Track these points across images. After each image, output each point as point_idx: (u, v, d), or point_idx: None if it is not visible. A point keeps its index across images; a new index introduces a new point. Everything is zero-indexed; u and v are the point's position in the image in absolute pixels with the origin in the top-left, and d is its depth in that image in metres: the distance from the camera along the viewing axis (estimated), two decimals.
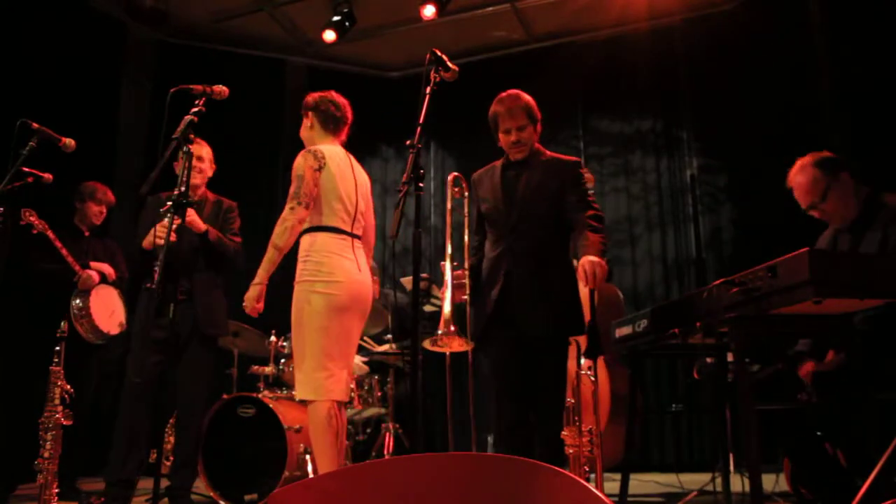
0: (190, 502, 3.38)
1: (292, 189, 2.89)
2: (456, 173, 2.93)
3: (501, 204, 2.79)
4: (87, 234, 4.26)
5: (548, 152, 2.86)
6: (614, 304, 4.45)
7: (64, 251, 3.91)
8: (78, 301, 3.95)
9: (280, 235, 2.83)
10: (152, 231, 3.22)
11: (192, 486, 3.42)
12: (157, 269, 3.11)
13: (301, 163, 2.92)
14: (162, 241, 3.05)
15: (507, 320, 2.66)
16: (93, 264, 4.07)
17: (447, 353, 2.99)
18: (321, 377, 2.78)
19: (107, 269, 4.13)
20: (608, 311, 4.29)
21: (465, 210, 2.92)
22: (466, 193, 2.92)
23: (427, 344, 2.53)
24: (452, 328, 2.48)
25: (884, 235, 2.52)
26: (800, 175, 2.72)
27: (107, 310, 4.05)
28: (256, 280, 2.84)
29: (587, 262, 2.46)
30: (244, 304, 2.86)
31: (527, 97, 2.82)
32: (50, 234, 3.85)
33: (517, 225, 2.73)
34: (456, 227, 2.80)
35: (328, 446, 2.78)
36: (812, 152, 2.75)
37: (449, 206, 2.86)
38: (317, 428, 2.80)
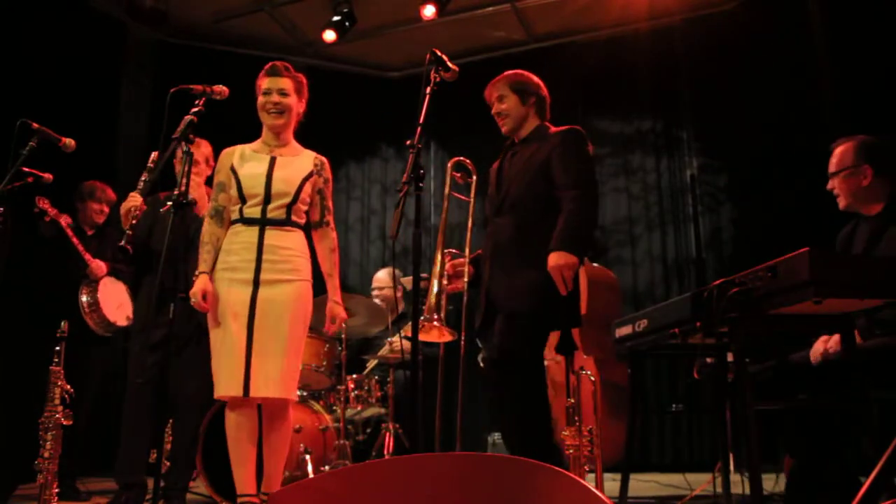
0: (184, 502, 3.37)
1: (331, 204, 2.95)
2: (459, 157, 2.88)
3: (494, 187, 2.78)
4: (90, 233, 4.26)
5: (554, 128, 2.77)
6: (611, 287, 4.43)
7: (75, 240, 3.92)
8: (86, 298, 3.97)
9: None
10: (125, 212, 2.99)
11: (188, 485, 3.42)
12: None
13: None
14: (129, 216, 2.85)
15: (492, 311, 2.64)
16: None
17: (441, 350, 2.99)
18: (297, 377, 2.76)
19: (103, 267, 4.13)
20: (607, 294, 4.27)
21: (472, 195, 2.87)
22: (470, 179, 2.88)
23: (408, 330, 2.55)
24: (435, 317, 2.48)
25: None
26: (842, 144, 2.75)
27: (114, 301, 4.09)
28: (337, 297, 2.86)
29: (552, 270, 2.46)
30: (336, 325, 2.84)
31: (519, 72, 2.84)
32: (62, 221, 3.87)
33: (500, 206, 2.70)
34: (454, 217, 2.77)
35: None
36: (867, 136, 2.76)
37: (447, 191, 2.81)
38: (289, 432, 2.79)
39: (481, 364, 3.09)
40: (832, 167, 2.75)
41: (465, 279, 2.69)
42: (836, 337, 2.46)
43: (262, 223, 2.75)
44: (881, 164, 2.66)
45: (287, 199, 2.77)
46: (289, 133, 2.91)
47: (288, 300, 2.70)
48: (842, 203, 2.75)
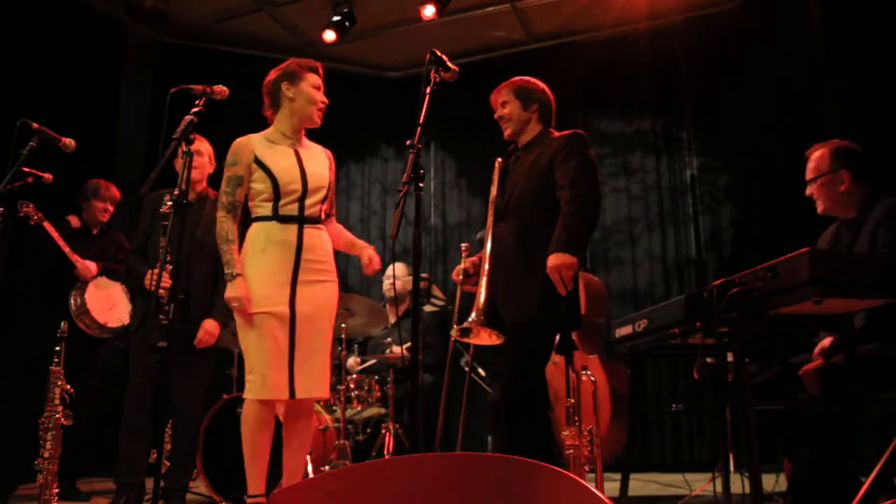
0: (184, 502, 3.37)
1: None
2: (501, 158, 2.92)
3: (499, 190, 2.79)
4: (95, 231, 4.23)
5: (556, 133, 2.80)
6: (598, 296, 4.44)
7: (61, 242, 3.86)
8: (77, 299, 3.92)
9: None
10: (148, 276, 3.31)
11: (187, 486, 3.42)
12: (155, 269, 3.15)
13: None
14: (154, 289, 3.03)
15: (494, 312, 2.63)
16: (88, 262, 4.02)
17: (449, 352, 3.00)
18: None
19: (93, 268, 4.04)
20: (591, 304, 4.29)
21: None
22: None
23: (454, 333, 2.55)
24: (483, 318, 2.49)
25: (873, 236, 2.55)
26: (818, 150, 2.79)
27: (106, 303, 4.02)
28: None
29: (550, 271, 2.46)
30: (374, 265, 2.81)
31: (525, 78, 2.87)
32: (46, 224, 3.82)
33: (504, 211, 2.72)
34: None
35: None
36: (841, 140, 2.81)
37: (494, 189, 2.82)
38: (312, 426, 2.83)
39: (465, 368, 3.10)
40: (810, 173, 2.79)
41: (484, 280, 2.68)
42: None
43: (301, 221, 2.69)
44: (858, 170, 2.70)
45: (322, 194, 2.75)
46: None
47: (326, 301, 2.71)
48: (820, 207, 2.79)
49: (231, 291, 2.59)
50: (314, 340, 2.65)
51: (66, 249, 3.90)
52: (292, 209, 2.69)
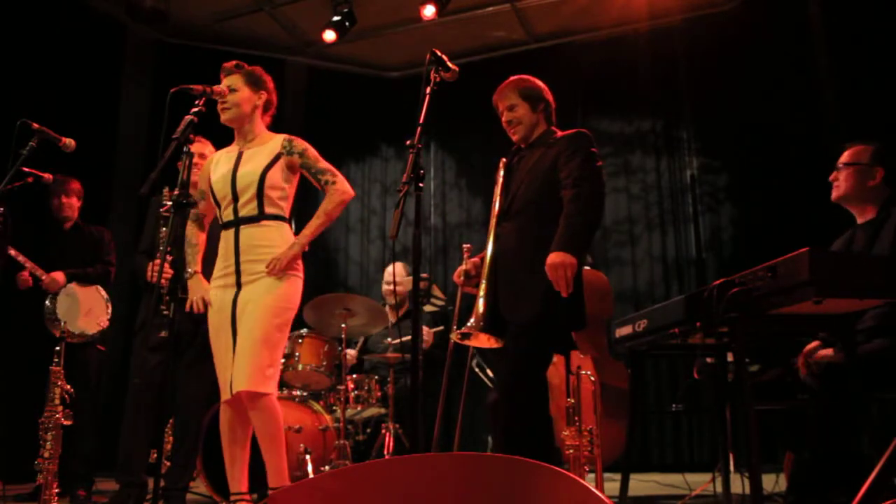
0: (184, 502, 3.37)
1: (324, 165, 2.84)
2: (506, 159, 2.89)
3: (502, 190, 2.77)
4: (67, 226, 4.02)
5: (560, 132, 2.76)
6: (601, 292, 4.43)
7: (20, 258, 3.70)
8: (47, 309, 3.77)
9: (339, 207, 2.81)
10: (150, 268, 3.32)
11: (187, 485, 3.41)
12: (156, 267, 3.14)
13: None
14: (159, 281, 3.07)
15: (496, 313, 2.61)
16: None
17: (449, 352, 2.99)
18: (275, 371, 2.75)
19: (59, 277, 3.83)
20: (595, 299, 4.27)
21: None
22: None
23: (455, 336, 2.54)
24: (482, 324, 2.48)
25: (895, 236, 2.54)
26: (858, 145, 2.78)
27: (81, 309, 3.84)
28: (300, 239, 2.73)
29: (549, 269, 2.43)
30: (272, 265, 2.66)
31: (526, 77, 2.81)
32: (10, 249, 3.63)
33: (507, 211, 2.70)
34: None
35: None
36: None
37: (498, 190, 2.80)
38: (272, 424, 2.69)
39: (475, 369, 3.08)
40: (844, 159, 2.75)
41: (485, 283, 2.67)
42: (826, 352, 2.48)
43: (237, 224, 2.74)
44: (891, 173, 2.69)
45: (252, 191, 2.71)
46: (255, 126, 2.86)
47: (260, 294, 2.66)
48: (836, 194, 2.76)
49: (189, 291, 2.79)
50: (245, 337, 2.63)
51: (29, 265, 3.72)
52: (228, 214, 2.77)
